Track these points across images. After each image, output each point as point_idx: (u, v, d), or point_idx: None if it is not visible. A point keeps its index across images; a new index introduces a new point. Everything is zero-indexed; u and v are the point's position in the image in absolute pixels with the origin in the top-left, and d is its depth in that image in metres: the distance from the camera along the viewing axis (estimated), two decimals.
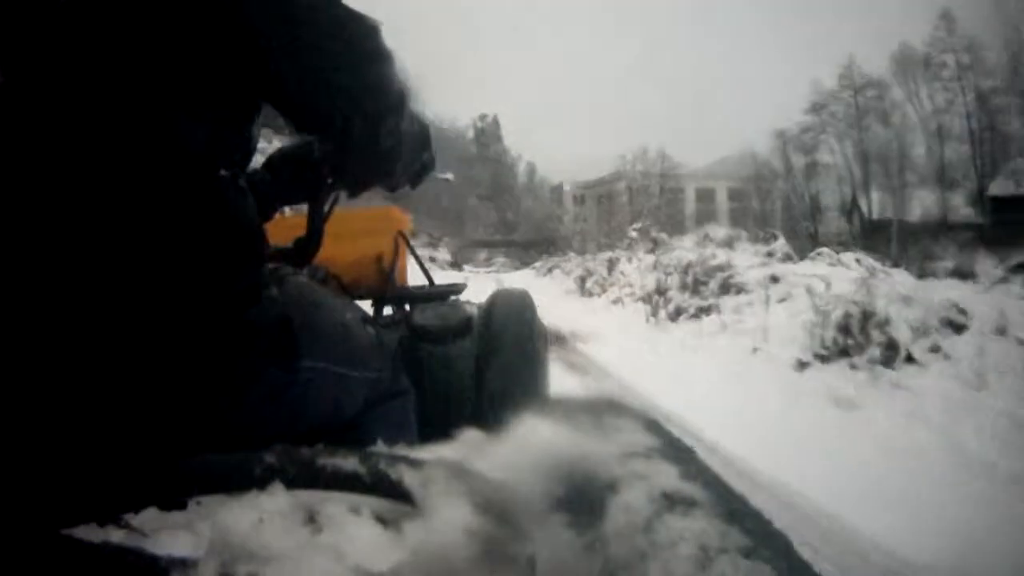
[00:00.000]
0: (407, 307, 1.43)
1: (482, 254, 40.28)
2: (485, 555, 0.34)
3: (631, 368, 5.56)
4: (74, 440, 0.51)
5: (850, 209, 29.30)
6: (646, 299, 9.02)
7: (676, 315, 7.97)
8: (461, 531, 0.35)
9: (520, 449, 0.40)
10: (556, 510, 0.36)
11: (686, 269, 8.60)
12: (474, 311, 1.30)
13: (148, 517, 0.40)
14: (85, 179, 0.53)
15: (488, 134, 47.84)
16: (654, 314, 8.40)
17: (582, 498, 0.37)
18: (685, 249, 10.57)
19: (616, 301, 10.51)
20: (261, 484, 0.41)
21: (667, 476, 0.37)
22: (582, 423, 0.41)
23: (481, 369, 1.17)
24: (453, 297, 1.41)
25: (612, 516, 0.35)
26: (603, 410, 0.43)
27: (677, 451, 0.41)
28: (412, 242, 1.55)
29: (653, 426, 0.42)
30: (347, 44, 0.63)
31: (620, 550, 0.33)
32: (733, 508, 0.36)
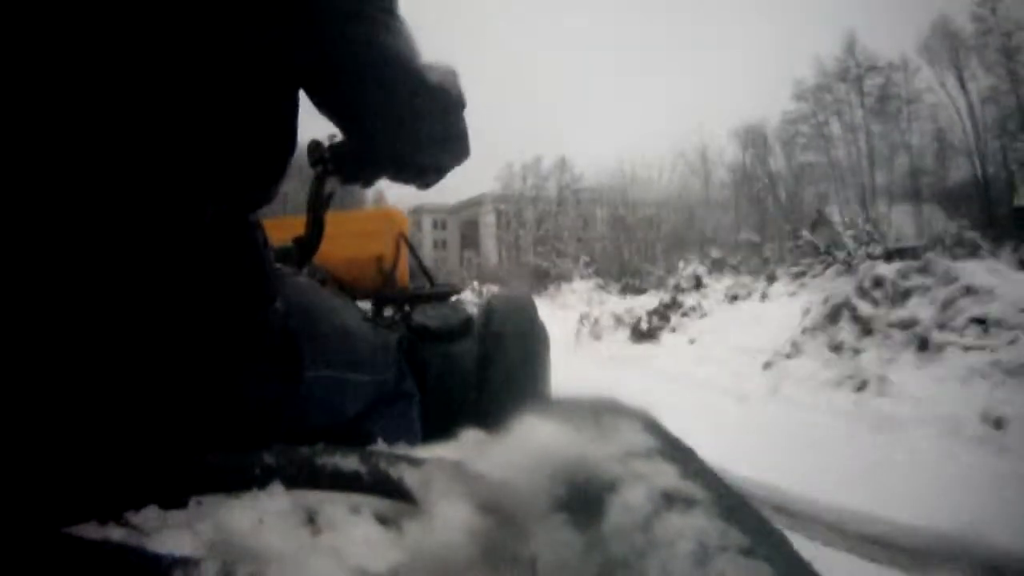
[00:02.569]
0: (407, 308, 1.43)
1: None
2: (486, 555, 0.34)
3: None
4: (75, 438, 0.51)
5: (814, 221, 23.43)
6: None
7: None
8: (462, 531, 0.35)
9: (521, 449, 0.40)
10: (557, 510, 0.36)
11: None
12: (474, 311, 1.30)
13: (148, 516, 0.40)
14: (93, 184, 0.52)
15: None
16: None
17: (582, 498, 0.37)
18: None
19: None
20: (262, 483, 0.41)
21: (667, 476, 0.37)
22: (582, 424, 0.41)
23: (481, 369, 1.18)
24: (454, 297, 1.41)
25: (612, 516, 0.35)
26: (603, 411, 0.43)
27: (677, 451, 0.41)
28: None
29: (653, 426, 0.42)
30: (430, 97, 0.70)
31: (620, 550, 0.34)
32: (732, 508, 0.36)
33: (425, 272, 1.55)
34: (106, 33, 0.52)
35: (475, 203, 41.47)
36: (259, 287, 0.64)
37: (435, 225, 45.66)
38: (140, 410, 0.55)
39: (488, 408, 1.12)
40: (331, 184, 0.96)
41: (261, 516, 0.38)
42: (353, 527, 0.39)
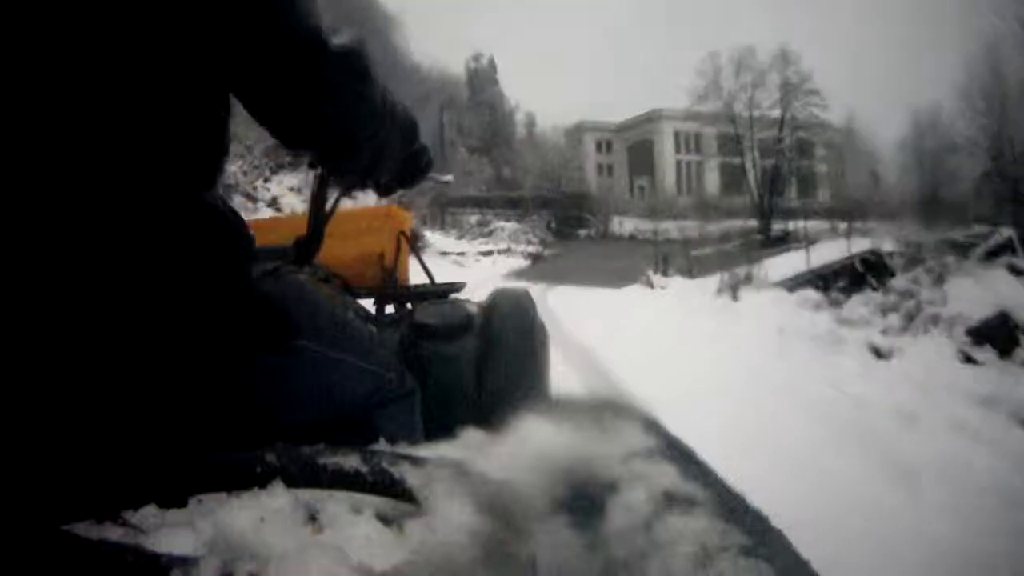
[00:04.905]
0: (409, 305, 1.44)
1: (472, 217, 26.42)
2: (487, 555, 0.34)
3: None
4: (72, 436, 0.51)
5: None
6: None
7: None
8: (464, 531, 0.35)
9: (522, 450, 0.40)
10: (558, 511, 0.36)
11: None
12: (475, 309, 1.30)
13: (148, 515, 0.40)
14: (67, 181, 0.52)
15: (482, 76, 38.32)
16: None
17: (584, 499, 0.37)
18: None
19: None
20: (263, 482, 0.41)
21: (667, 476, 0.37)
22: (583, 423, 0.41)
23: (482, 367, 1.18)
24: (454, 295, 1.41)
25: (613, 516, 0.35)
26: (604, 410, 0.43)
27: (677, 451, 0.41)
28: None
29: (653, 427, 0.43)
30: (336, 69, 0.64)
31: (621, 550, 0.34)
32: (732, 508, 0.36)
33: (426, 269, 1.55)
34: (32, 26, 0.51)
35: (647, 120, 34.52)
36: (243, 276, 0.64)
37: (599, 147, 38.03)
38: (139, 404, 0.55)
39: (489, 405, 1.12)
40: (334, 190, 0.96)
41: (262, 515, 0.38)
42: (354, 526, 0.39)
